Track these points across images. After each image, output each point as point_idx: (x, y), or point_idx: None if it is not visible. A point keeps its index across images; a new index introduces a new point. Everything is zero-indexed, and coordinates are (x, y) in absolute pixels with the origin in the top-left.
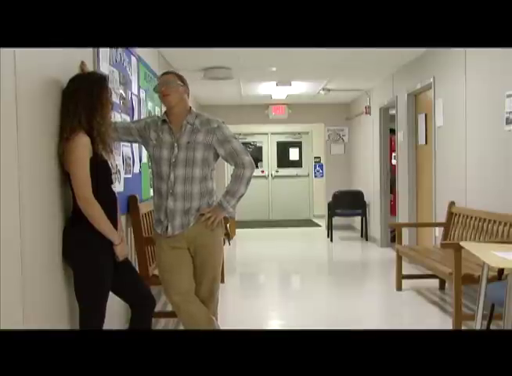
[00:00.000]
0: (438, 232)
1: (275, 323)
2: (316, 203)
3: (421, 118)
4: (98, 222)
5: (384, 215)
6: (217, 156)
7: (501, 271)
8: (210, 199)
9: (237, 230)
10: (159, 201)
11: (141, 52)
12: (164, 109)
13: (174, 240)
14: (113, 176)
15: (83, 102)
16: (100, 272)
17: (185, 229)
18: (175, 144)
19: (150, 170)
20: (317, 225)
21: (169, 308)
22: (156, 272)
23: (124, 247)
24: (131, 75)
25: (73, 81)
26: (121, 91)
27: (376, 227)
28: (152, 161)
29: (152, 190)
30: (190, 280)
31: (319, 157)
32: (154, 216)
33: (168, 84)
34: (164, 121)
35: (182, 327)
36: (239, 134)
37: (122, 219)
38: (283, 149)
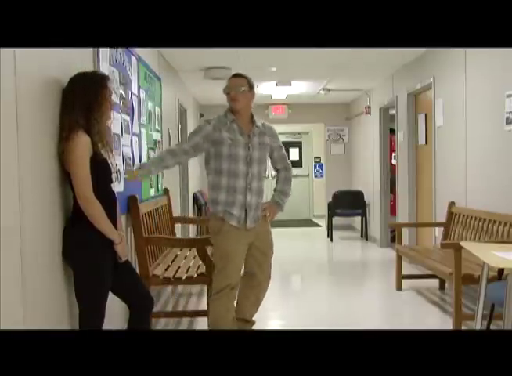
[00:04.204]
0: (438, 232)
1: (275, 323)
2: (316, 203)
3: (421, 118)
4: (98, 221)
5: (384, 215)
6: None
7: (501, 271)
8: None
9: None
10: (231, 197)
11: (141, 52)
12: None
13: (246, 234)
14: (113, 176)
15: (79, 100)
16: (100, 273)
17: (256, 222)
18: (249, 144)
19: (209, 166)
20: (317, 225)
21: (169, 308)
22: (156, 272)
23: (125, 246)
24: (131, 75)
25: (72, 80)
26: (121, 91)
27: (376, 227)
28: (221, 159)
29: (211, 186)
30: (240, 273)
31: (319, 157)
32: (221, 209)
33: (238, 89)
34: (232, 121)
35: (182, 327)
36: None
37: (122, 219)
38: None
